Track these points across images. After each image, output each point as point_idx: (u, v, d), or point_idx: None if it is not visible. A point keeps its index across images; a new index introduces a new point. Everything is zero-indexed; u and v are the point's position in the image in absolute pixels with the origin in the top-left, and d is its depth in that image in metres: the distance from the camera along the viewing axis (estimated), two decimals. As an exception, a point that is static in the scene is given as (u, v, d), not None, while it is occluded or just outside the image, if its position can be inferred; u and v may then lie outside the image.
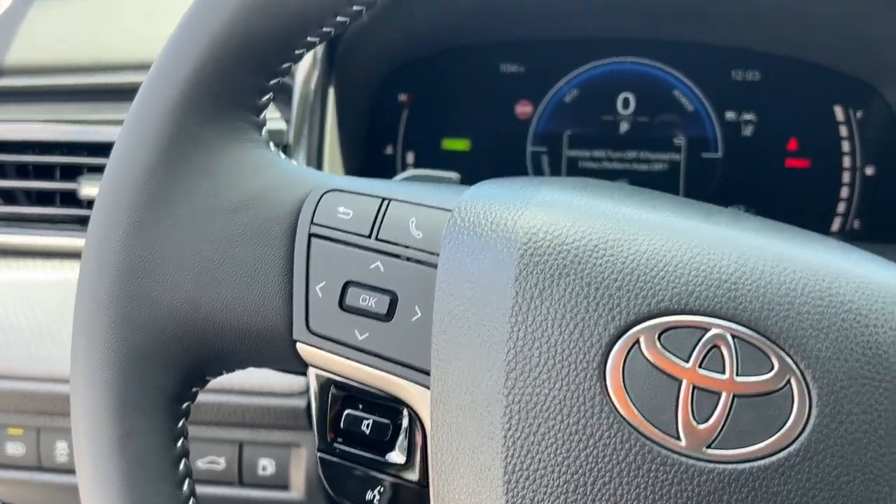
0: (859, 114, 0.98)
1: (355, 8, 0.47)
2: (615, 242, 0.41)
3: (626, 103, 1.02)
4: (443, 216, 0.45)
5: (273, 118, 0.84)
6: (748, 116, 1.00)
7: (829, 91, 0.99)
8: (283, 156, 0.50)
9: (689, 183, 1.01)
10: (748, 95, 1.00)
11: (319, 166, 0.85)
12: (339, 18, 0.47)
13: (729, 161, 1.01)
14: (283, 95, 0.86)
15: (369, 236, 0.46)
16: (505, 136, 1.04)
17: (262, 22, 0.45)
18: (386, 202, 0.47)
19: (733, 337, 0.38)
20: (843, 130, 0.98)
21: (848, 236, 0.98)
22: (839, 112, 0.98)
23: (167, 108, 0.45)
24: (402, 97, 1.05)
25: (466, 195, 0.45)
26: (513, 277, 0.41)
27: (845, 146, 0.98)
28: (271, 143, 0.50)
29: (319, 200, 0.47)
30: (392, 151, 1.05)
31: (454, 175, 0.62)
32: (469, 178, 1.03)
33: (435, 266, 0.44)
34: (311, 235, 0.47)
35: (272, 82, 0.48)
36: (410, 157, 1.05)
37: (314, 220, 0.47)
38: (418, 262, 0.45)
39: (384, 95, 1.04)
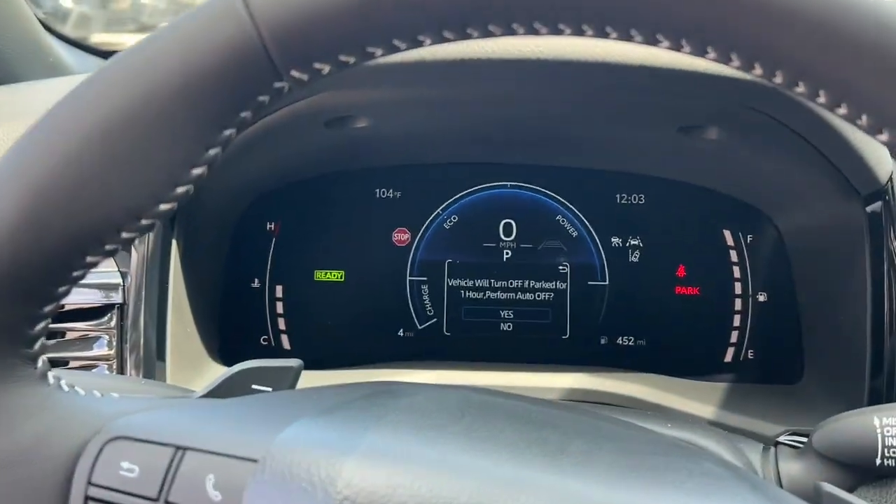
0: (749, 238, 0.94)
1: (144, 222, 0.39)
2: None
3: (508, 229, 0.97)
4: (247, 469, 0.37)
5: (108, 271, 0.75)
6: (634, 242, 0.96)
7: (718, 215, 0.95)
8: (64, 387, 0.42)
9: (576, 312, 0.96)
10: (633, 220, 0.96)
11: (162, 325, 0.76)
12: (124, 235, 0.39)
13: (616, 289, 0.95)
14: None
15: (157, 499, 0.38)
16: (382, 265, 0.97)
17: (21, 248, 0.37)
18: (180, 453, 0.39)
19: None
20: (734, 256, 0.94)
21: (742, 367, 0.93)
22: (728, 236, 0.95)
23: None
24: (270, 226, 0.97)
25: (276, 443, 0.38)
26: None
27: (736, 272, 0.94)
28: (50, 374, 0.41)
29: (100, 453, 0.39)
30: (259, 285, 0.96)
31: (295, 363, 0.54)
32: (345, 313, 0.97)
33: None
34: (87, 498, 0.38)
35: (47, 308, 0.40)
36: (279, 292, 0.97)
37: (92, 480, 0.38)
38: None
39: (249, 225, 0.96)
